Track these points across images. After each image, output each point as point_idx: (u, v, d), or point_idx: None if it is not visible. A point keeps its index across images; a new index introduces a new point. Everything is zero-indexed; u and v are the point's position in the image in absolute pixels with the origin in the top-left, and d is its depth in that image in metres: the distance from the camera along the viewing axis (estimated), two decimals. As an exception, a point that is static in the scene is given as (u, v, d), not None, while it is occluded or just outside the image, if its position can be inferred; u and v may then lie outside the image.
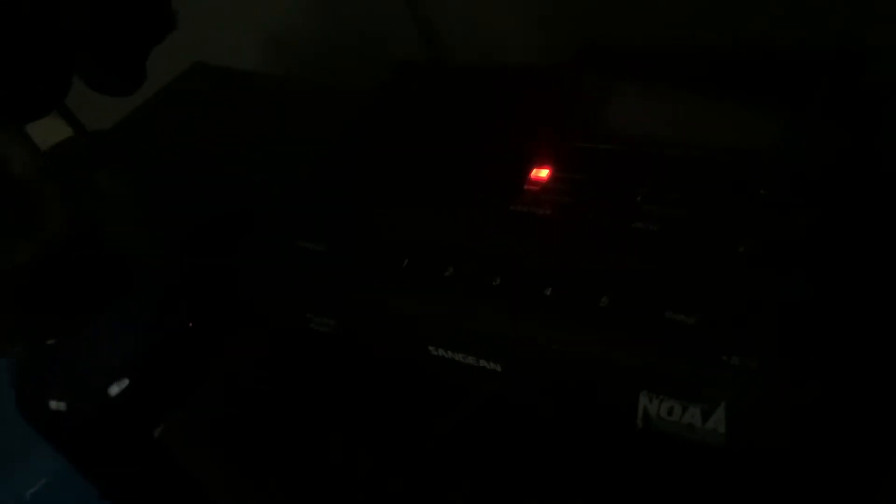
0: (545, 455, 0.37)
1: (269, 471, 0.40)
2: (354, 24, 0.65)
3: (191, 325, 0.40)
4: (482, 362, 0.35)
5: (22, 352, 0.38)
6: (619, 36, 0.41)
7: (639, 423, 0.31)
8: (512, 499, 0.36)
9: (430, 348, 0.36)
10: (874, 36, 0.37)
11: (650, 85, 0.40)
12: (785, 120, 0.35)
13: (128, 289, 0.38)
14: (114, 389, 0.36)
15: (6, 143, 0.37)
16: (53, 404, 0.36)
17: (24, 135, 0.39)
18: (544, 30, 0.53)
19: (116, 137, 0.62)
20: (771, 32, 0.43)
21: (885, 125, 0.34)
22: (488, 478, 0.37)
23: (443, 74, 0.49)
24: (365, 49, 0.58)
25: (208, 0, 0.70)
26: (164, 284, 0.41)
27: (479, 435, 0.38)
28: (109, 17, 0.45)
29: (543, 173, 0.39)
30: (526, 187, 0.38)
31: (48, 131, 0.53)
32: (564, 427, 0.36)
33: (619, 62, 0.41)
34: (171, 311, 0.40)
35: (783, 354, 0.28)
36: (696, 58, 0.39)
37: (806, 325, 0.29)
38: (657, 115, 0.39)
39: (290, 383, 0.42)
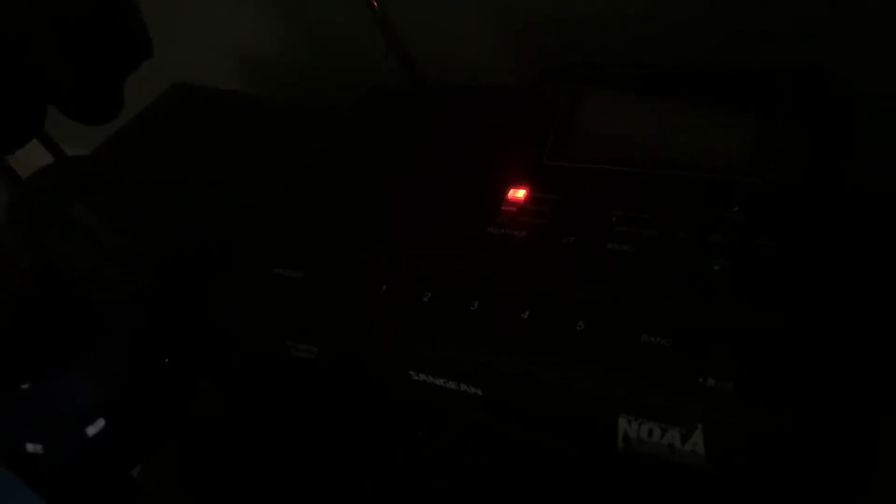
0: (528, 477, 0.37)
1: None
2: (329, 45, 0.65)
3: (167, 361, 0.40)
4: (463, 387, 0.35)
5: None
6: (587, 56, 0.42)
7: (619, 445, 0.32)
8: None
9: (411, 373, 0.36)
10: (839, 50, 0.37)
11: (622, 104, 0.40)
12: (755, 137, 0.35)
13: (100, 329, 0.38)
14: (91, 430, 0.36)
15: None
16: (30, 447, 0.36)
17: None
18: (514, 50, 0.53)
19: (96, 164, 0.62)
20: (738, 50, 0.44)
21: (853, 138, 0.35)
22: (472, 502, 0.37)
23: (413, 96, 0.49)
24: (340, 70, 0.58)
25: (187, 22, 0.70)
26: (138, 321, 0.41)
27: (462, 459, 0.38)
28: (83, 47, 0.45)
29: (520, 194, 0.39)
30: (503, 208, 0.38)
31: (31, 154, 0.53)
32: (546, 449, 0.36)
33: (587, 82, 0.41)
34: (146, 349, 0.40)
35: (757, 377, 0.28)
36: (668, 76, 0.39)
37: (780, 347, 0.29)
38: (630, 133, 0.39)
39: (270, 414, 0.42)
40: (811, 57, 0.36)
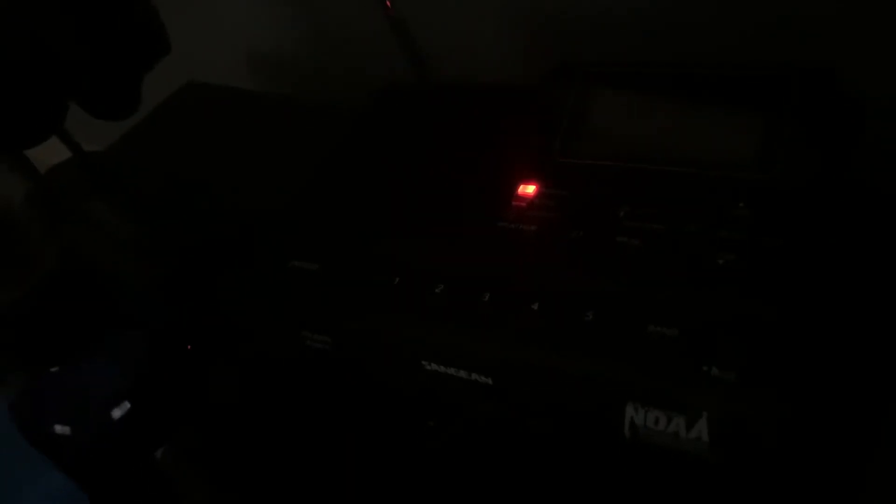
0: (537, 465, 0.37)
1: (266, 494, 0.40)
2: (342, 44, 0.66)
3: (189, 347, 0.41)
4: (474, 376, 0.36)
5: (23, 379, 0.39)
6: (598, 54, 0.42)
7: (626, 433, 0.32)
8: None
9: (423, 363, 0.37)
10: (848, 50, 0.38)
11: (632, 102, 0.41)
12: (762, 135, 0.36)
13: (124, 315, 0.39)
14: (116, 413, 0.37)
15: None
16: (58, 428, 0.37)
17: (14, 174, 0.40)
18: (526, 48, 0.54)
19: (112, 160, 0.63)
20: (747, 49, 0.44)
21: (859, 138, 0.35)
22: (482, 489, 0.38)
23: (426, 94, 0.50)
24: (352, 68, 0.59)
25: (200, 21, 0.71)
26: (162, 311, 0.42)
27: (472, 446, 0.39)
28: (104, 45, 0.46)
29: (530, 189, 0.39)
30: (514, 203, 0.39)
31: (48, 152, 0.54)
32: (555, 437, 0.37)
33: (598, 80, 0.41)
34: (169, 336, 0.41)
35: (762, 367, 0.29)
36: (677, 75, 0.40)
37: (784, 338, 0.30)
38: (639, 131, 0.40)
39: (285, 401, 0.43)
40: (820, 56, 0.36)
